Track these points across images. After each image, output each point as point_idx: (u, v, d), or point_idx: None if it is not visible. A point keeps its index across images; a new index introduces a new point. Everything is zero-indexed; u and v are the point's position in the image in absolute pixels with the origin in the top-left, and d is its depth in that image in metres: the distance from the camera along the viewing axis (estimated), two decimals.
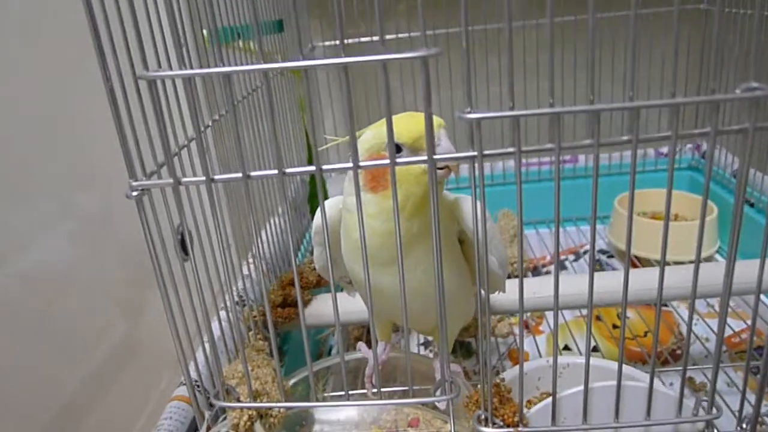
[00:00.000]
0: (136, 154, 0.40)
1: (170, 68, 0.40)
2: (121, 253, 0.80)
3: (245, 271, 0.73)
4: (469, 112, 0.36)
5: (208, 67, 0.37)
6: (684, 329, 0.95)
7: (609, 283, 0.70)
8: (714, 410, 0.46)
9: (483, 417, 0.46)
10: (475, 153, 0.37)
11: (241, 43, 0.74)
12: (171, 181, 0.39)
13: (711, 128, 0.36)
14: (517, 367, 0.67)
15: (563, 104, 0.36)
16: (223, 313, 0.66)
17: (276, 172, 0.38)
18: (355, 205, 0.39)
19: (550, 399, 0.48)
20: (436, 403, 0.64)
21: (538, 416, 0.47)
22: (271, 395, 0.46)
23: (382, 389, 0.71)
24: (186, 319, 0.46)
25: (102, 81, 0.38)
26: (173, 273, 0.44)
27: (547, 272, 1.17)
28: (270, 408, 0.45)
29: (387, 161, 0.37)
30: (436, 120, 0.46)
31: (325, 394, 0.77)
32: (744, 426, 0.45)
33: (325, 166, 0.38)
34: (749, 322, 0.91)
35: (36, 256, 0.56)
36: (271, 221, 0.79)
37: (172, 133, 0.43)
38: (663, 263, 0.41)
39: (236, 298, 0.76)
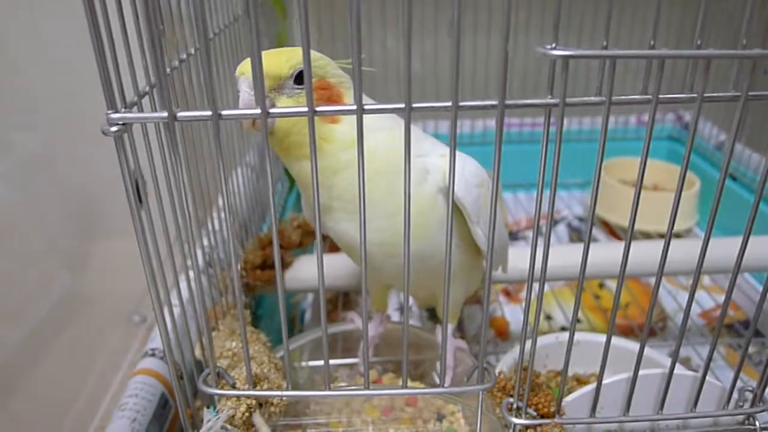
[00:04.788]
0: (116, 80, 0.31)
1: None
2: (64, 199, 0.70)
3: (211, 228, 0.64)
4: (554, 48, 0.29)
5: None
6: (665, 303, 0.93)
7: (595, 255, 0.67)
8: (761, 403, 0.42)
9: (515, 406, 0.40)
10: (556, 100, 0.30)
11: None
12: (164, 114, 0.30)
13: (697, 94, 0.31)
14: (516, 350, 0.62)
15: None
16: (192, 275, 0.57)
17: (209, 114, 0.30)
18: None
19: (586, 388, 0.43)
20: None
21: (574, 406, 0.42)
22: (271, 380, 0.39)
23: (378, 359, 0.65)
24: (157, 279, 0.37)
25: None
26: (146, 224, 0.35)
27: (523, 237, 1.14)
28: (273, 397, 0.37)
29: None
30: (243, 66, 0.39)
31: (303, 364, 0.71)
32: None
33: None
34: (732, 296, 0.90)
35: None
36: (238, 171, 0.69)
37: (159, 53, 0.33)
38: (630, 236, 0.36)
39: (203, 258, 0.67)
